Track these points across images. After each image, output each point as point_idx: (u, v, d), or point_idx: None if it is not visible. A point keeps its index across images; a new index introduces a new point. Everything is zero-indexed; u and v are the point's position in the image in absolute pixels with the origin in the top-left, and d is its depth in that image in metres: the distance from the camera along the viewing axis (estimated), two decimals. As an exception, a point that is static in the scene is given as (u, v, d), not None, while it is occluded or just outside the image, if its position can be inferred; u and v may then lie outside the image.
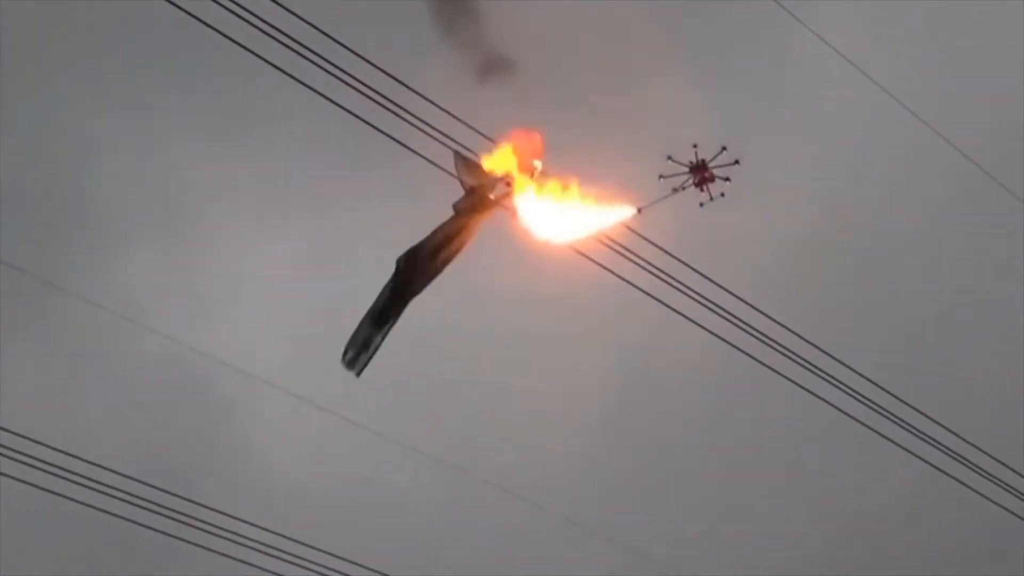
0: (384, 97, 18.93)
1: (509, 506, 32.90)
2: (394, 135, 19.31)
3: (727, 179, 27.82)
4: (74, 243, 33.97)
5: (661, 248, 23.29)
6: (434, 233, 24.05)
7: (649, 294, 23.66)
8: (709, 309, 23.98)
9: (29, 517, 29.31)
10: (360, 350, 23.95)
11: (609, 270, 23.45)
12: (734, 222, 31.98)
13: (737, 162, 27.88)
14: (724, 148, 28.05)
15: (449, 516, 35.20)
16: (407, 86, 19.10)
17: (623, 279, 23.09)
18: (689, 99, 30.50)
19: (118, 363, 33.02)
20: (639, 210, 27.47)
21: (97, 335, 32.58)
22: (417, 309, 28.00)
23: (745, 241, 34.06)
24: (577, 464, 35.64)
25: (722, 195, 28.05)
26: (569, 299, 31.83)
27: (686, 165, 27.94)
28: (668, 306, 23.78)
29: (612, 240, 24.18)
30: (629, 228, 24.53)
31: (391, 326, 24.11)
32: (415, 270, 23.97)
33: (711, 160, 27.99)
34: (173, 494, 24.04)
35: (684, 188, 28.05)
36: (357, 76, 18.49)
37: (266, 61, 17.57)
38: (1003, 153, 32.79)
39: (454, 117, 21.00)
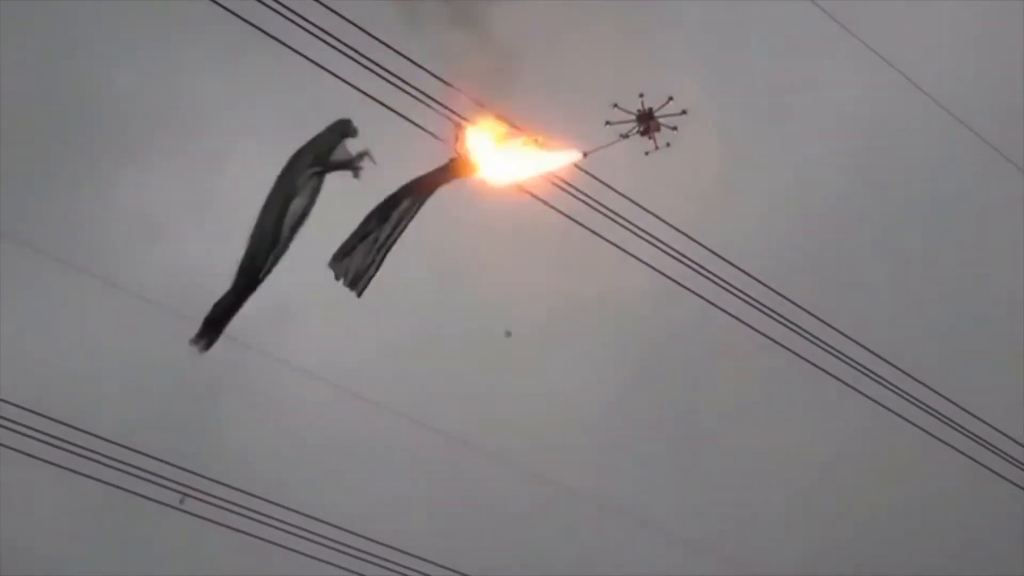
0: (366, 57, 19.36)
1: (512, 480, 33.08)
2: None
3: (675, 128, 28.20)
4: (80, 158, 33.23)
5: (661, 218, 23.56)
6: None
7: (652, 266, 23.87)
8: (706, 277, 24.27)
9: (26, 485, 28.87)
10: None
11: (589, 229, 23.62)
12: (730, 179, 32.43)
13: (685, 112, 28.22)
14: (671, 98, 28.39)
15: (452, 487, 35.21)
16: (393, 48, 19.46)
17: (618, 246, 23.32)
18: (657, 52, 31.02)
19: (126, 286, 32.21)
20: (585, 154, 27.85)
21: (106, 256, 32.17)
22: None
23: (733, 198, 34.45)
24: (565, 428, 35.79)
25: (667, 145, 28.40)
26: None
27: (633, 113, 28.31)
28: (671, 278, 24.05)
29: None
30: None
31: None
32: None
33: (658, 109, 28.34)
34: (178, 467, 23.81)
35: (629, 136, 28.41)
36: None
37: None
38: (1005, 125, 33.26)
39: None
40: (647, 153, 28.21)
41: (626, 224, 22.93)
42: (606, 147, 27.72)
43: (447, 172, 25.73)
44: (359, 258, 25.20)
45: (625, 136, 27.98)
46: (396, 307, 33.52)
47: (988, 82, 35.27)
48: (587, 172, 22.97)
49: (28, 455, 23.04)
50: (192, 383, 33.08)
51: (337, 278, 25.11)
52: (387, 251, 25.48)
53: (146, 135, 33.59)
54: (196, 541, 28.21)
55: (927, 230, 37.26)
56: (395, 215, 25.36)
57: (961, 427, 26.44)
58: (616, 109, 27.99)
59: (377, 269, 25.43)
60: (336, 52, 20.26)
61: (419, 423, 31.63)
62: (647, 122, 28.15)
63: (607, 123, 27.97)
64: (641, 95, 28.13)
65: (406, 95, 21.22)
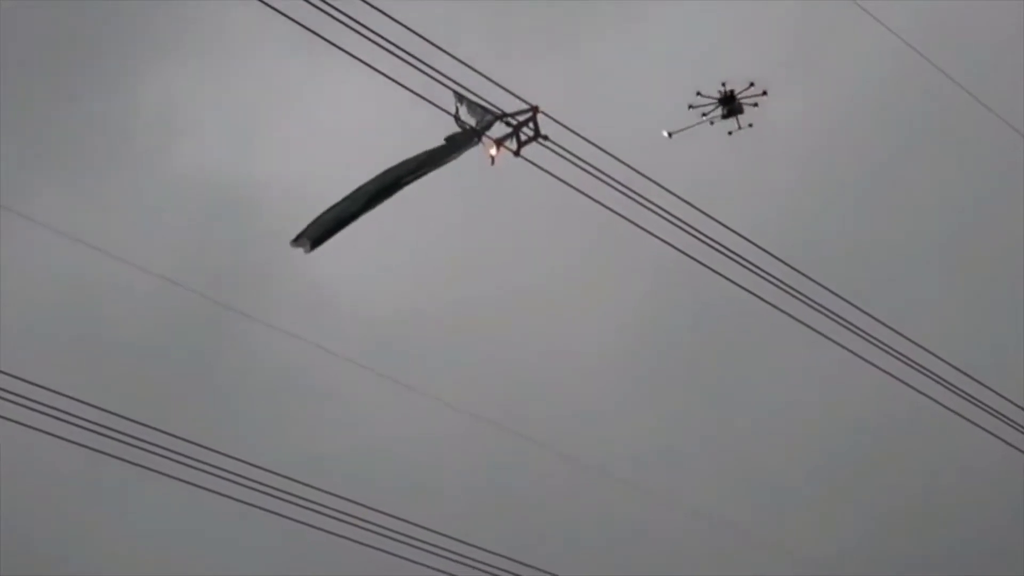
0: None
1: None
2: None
3: (755, 104, 28.92)
4: (99, 51, 32.83)
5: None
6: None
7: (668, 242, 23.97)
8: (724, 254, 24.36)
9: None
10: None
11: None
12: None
13: (765, 93, 29.02)
14: (752, 83, 29.18)
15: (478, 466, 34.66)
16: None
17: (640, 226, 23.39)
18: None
19: (150, 184, 32.08)
20: (669, 134, 28.64)
21: (127, 154, 32.12)
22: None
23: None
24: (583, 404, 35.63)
25: (750, 125, 29.16)
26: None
27: (715, 97, 29.03)
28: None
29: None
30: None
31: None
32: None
33: (740, 92, 29.07)
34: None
35: (712, 122, 29.13)
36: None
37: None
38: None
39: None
40: (730, 133, 29.07)
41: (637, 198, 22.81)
42: (690, 128, 28.61)
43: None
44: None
45: (708, 119, 28.76)
46: (409, 273, 33.89)
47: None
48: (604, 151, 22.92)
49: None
50: (192, 352, 32.90)
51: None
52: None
53: (169, 35, 33.17)
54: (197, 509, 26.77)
55: (948, 212, 36.91)
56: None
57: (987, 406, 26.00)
58: (699, 96, 28.87)
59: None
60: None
61: (421, 392, 30.99)
62: (730, 104, 28.96)
63: (690, 107, 28.78)
64: (723, 84, 29.03)
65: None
